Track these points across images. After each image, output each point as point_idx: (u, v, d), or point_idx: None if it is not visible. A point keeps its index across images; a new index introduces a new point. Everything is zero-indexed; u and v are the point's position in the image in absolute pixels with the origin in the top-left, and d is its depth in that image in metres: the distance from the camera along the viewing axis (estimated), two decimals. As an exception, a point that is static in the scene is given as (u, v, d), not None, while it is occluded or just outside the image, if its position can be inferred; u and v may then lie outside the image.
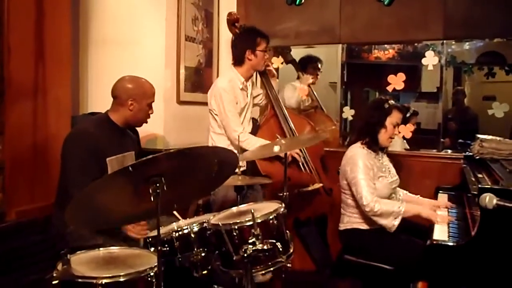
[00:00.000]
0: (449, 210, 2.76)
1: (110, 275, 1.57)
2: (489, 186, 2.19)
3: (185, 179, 1.76)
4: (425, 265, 2.18)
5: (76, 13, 3.45)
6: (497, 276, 2.05)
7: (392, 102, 2.79)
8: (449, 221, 2.52)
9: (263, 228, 1.91)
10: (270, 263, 1.95)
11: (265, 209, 2.10)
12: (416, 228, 2.71)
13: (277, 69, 4.05)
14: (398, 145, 3.94)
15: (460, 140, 4.35)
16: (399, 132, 3.14)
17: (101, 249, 1.86)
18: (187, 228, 2.09)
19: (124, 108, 2.43)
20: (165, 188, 1.58)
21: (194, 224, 2.11)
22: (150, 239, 2.11)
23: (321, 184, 3.29)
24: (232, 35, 3.62)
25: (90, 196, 1.58)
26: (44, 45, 2.72)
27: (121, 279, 1.56)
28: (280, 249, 1.94)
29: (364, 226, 2.71)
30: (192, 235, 2.07)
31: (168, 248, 2.04)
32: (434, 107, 4.75)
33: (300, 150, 3.25)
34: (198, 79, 3.88)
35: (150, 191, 1.57)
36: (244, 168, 3.00)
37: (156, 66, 3.47)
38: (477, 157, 3.05)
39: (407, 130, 3.53)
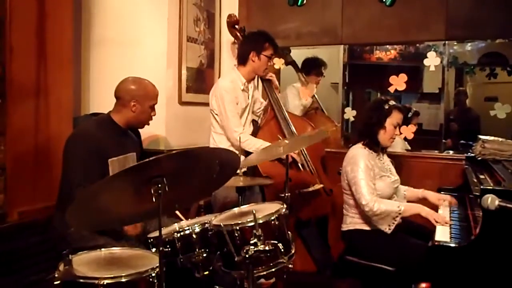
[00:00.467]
0: (451, 211, 2.76)
1: (112, 276, 1.58)
2: (491, 187, 2.18)
3: (187, 180, 1.76)
4: (427, 266, 2.17)
5: (78, 14, 3.45)
6: (499, 277, 2.04)
7: (392, 102, 2.79)
8: (446, 222, 2.49)
9: (264, 229, 1.91)
10: (271, 264, 1.95)
11: (266, 209, 2.10)
12: (418, 229, 2.71)
13: (278, 70, 4.06)
14: (399, 146, 3.94)
15: (462, 141, 4.35)
16: (400, 133, 3.14)
17: (102, 249, 1.87)
18: (188, 229, 2.09)
19: (127, 109, 2.43)
20: (166, 189, 1.58)
21: (195, 225, 2.11)
22: (152, 240, 2.11)
23: (321, 185, 3.29)
24: (232, 37, 3.64)
25: (91, 197, 1.58)
26: (46, 45, 2.72)
27: (123, 280, 1.57)
28: (282, 250, 1.94)
29: (367, 227, 2.71)
30: (194, 236, 2.08)
31: (169, 249, 2.04)
32: (436, 108, 4.76)
33: (300, 150, 3.24)
34: (200, 80, 3.88)
35: (152, 191, 1.57)
36: (245, 169, 2.99)
37: (158, 67, 3.47)
38: (479, 158, 3.05)
39: (409, 130, 3.52)
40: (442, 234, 2.32)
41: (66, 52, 2.91)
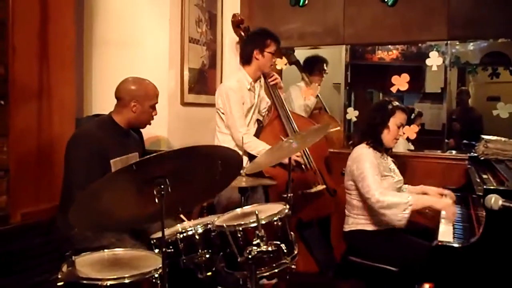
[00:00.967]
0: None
1: (115, 277, 1.58)
2: (494, 187, 2.18)
3: (189, 180, 1.75)
4: (430, 266, 2.17)
5: (80, 15, 3.46)
6: (503, 277, 2.04)
7: (395, 103, 2.79)
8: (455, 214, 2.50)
9: (267, 230, 1.91)
10: (274, 265, 1.94)
11: (269, 210, 2.10)
12: (420, 229, 2.70)
13: (280, 71, 4.06)
14: (401, 146, 3.94)
15: (464, 141, 4.34)
16: (404, 133, 3.13)
17: (105, 250, 1.87)
18: (191, 230, 2.09)
19: (127, 109, 2.43)
20: (169, 190, 1.58)
21: (198, 226, 2.11)
22: (154, 241, 2.11)
23: (324, 186, 3.28)
24: (237, 36, 3.63)
25: (93, 198, 1.58)
26: (48, 46, 2.72)
27: (126, 281, 1.57)
28: (285, 251, 1.94)
29: (369, 227, 2.70)
30: (197, 237, 2.08)
31: (172, 250, 2.04)
32: (438, 108, 4.73)
33: (303, 151, 3.24)
34: (202, 81, 3.88)
35: (155, 192, 1.57)
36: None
37: (160, 67, 3.47)
38: (482, 158, 3.04)
39: (412, 131, 3.52)
40: (445, 234, 2.32)
41: (68, 53, 2.91)
